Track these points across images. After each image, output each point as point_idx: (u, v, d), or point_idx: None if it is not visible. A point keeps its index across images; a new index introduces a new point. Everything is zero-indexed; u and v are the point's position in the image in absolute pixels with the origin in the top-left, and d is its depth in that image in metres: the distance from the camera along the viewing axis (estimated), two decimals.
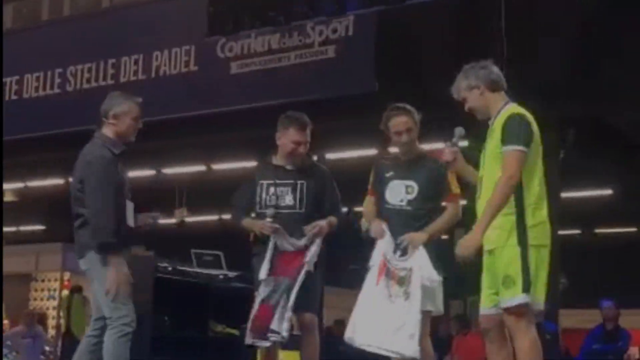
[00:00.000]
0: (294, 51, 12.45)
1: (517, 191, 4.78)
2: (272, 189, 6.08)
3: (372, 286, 5.51)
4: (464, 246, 4.66)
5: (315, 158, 16.19)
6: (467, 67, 5.09)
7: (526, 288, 4.68)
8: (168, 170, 17.98)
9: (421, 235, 5.49)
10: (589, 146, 12.99)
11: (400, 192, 5.63)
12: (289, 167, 6.17)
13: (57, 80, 14.53)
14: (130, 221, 5.82)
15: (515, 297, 4.69)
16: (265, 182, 6.13)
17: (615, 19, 11.46)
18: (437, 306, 5.62)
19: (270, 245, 5.91)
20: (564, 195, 14.11)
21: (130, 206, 5.84)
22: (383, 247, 5.55)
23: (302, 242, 5.84)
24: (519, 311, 4.70)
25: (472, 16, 12.74)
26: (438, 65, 12.96)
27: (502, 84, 5.07)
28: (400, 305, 5.38)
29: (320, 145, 16.15)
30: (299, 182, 6.06)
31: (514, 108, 4.98)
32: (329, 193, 6.08)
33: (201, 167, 17.55)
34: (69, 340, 14.12)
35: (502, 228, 4.77)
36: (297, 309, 5.86)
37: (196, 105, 13.21)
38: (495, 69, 5.08)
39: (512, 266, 4.70)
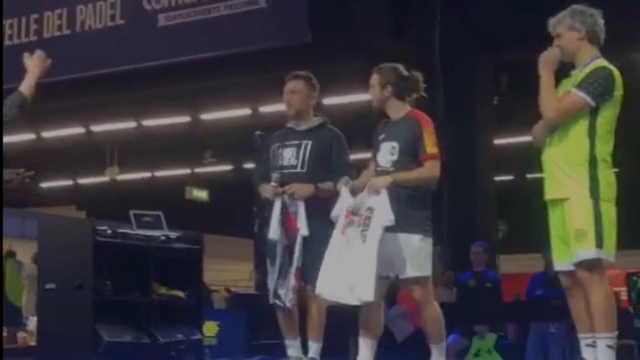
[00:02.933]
0: (223, 2, 12.17)
1: (591, 144, 4.77)
2: (280, 151, 6.00)
3: (338, 236, 5.38)
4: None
5: (250, 112, 16.18)
6: (577, 8, 4.97)
7: (599, 243, 4.69)
8: (97, 128, 17.67)
9: (385, 178, 5.36)
10: (522, 91, 13.06)
11: (386, 154, 5.51)
12: (298, 128, 6.06)
13: None
14: None
15: (589, 250, 4.69)
16: (275, 145, 6.05)
17: None
18: (424, 270, 5.40)
19: (276, 205, 5.82)
20: (498, 141, 14.25)
21: None
22: (346, 197, 5.44)
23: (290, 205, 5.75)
24: (592, 265, 4.71)
25: None
26: (373, 15, 12.88)
27: (601, 39, 4.98)
28: (357, 249, 5.25)
29: (254, 99, 16.17)
30: (304, 142, 5.93)
31: (604, 62, 4.92)
32: (335, 153, 5.91)
33: (131, 124, 17.31)
34: (7, 306, 13.82)
35: (572, 177, 4.78)
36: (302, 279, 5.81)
37: (124, 60, 12.85)
38: (601, 22, 4.97)
39: (585, 220, 4.70)
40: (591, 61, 4.91)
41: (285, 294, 5.79)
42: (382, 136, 5.59)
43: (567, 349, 9.99)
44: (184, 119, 17.09)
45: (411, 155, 5.43)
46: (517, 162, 15.44)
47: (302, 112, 6.04)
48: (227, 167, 21.71)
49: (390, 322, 11.52)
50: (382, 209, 5.23)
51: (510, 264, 15.96)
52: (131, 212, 8.10)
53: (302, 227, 5.74)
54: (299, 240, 5.74)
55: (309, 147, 5.91)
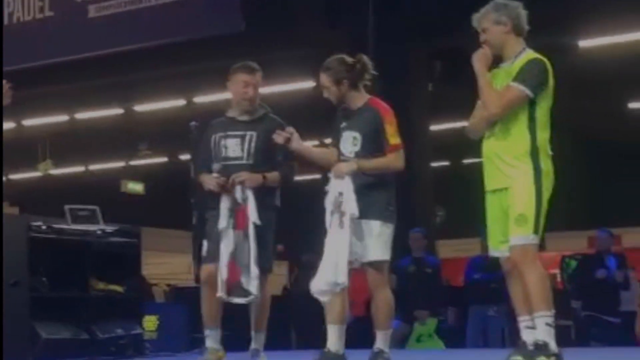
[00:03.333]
0: None
1: (531, 135, 4.87)
2: (222, 141, 5.93)
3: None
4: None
5: (184, 102, 16.05)
6: (500, 1, 5.01)
7: (536, 229, 4.81)
8: (28, 122, 17.38)
9: (349, 164, 5.40)
10: (456, 78, 13.17)
11: (349, 144, 5.55)
12: (241, 118, 6.01)
13: None
14: None
15: (527, 235, 4.80)
16: (217, 135, 5.98)
17: None
18: (383, 254, 5.45)
19: (223, 197, 5.77)
20: (433, 128, 14.34)
21: None
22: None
23: (240, 195, 5.70)
24: (527, 249, 4.82)
25: None
26: (307, 4, 12.85)
27: (525, 30, 5.05)
28: (336, 235, 5.32)
29: (189, 89, 16.05)
30: (248, 132, 5.90)
31: (534, 53, 4.99)
32: (279, 144, 5.92)
33: (64, 117, 17.07)
34: None
35: (515, 166, 4.86)
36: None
37: (54, 52, 12.68)
38: (524, 14, 5.04)
39: (527, 206, 4.80)
40: (520, 53, 4.97)
41: (249, 283, 5.71)
42: (343, 124, 5.61)
43: (506, 332, 10.15)
44: (117, 111, 16.90)
45: (373, 145, 5.48)
46: (453, 148, 15.57)
47: (254, 105, 6.02)
48: (163, 159, 21.53)
49: None
50: (348, 200, 5.31)
51: (449, 249, 16.21)
52: (66, 207, 7.99)
53: (253, 215, 5.71)
54: (251, 228, 5.70)
55: (254, 138, 5.88)
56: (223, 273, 5.71)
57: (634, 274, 11.67)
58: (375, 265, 5.49)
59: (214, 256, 5.84)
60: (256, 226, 5.74)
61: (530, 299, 4.82)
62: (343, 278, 5.28)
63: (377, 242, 5.46)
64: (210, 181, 5.87)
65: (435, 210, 13.86)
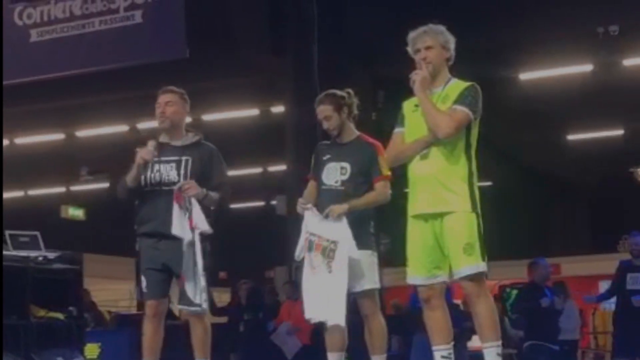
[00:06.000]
0: (98, 17, 12.00)
1: (467, 160, 4.87)
2: (156, 166, 5.83)
3: (305, 261, 5.60)
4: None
5: (127, 128, 15.95)
6: (442, 28, 5.02)
7: (483, 256, 4.79)
8: None
9: (342, 206, 5.52)
10: (399, 106, 13.30)
11: (335, 174, 5.68)
12: (174, 143, 5.96)
13: None
14: None
15: (478, 264, 4.78)
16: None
17: None
18: (375, 282, 5.68)
19: (174, 207, 5.64)
20: None
21: None
22: (307, 220, 5.59)
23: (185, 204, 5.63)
24: (480, 278, 4.81)
25: None
26: (251, 31, 12.92)
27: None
28: (324, 277, 5.46)
29: (132, 115, 15.96)
30: (183, 157, 5.83)
31: (464, 81, 5.01)
32: (215, 170, 5.86)
33: (4, 142, 16.85)
34: None
35: (457, 193, 4.83)
36: None
37: None
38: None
39: (471, 234, 4.77)
40: (449, 80, 4.99)
41: (197, 296, 5.65)
42: (326, 157, 5.73)
43: None
44: (59, 136, 16.76)
45: (363, 176, 5.63)
46: (396, 176, 15.70)
47: (177, 126, 5.95)
48: (104, 185, 21.34)
49: (278, 340, 11.57)
50: (346, 243, 5.43)
51: (394, 277, 16.23)
52: (6, 233, 7.88)
53: (201, 223, 5.66)
54: (197, 239, 5.65)
55: (189, 163, 5.85)
56: (201, 283, 5.66)
57: (573, 302, 11.86)
58: (369, 294, 5.63)
59: (153, 292, 5.81)
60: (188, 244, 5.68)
61: (481, 329, 4.83)
62: (341, 320, 5.42)
63: (369, 271, 5.62)
64: (141, 151, 5.75)
65: (380, 238, 13.92)
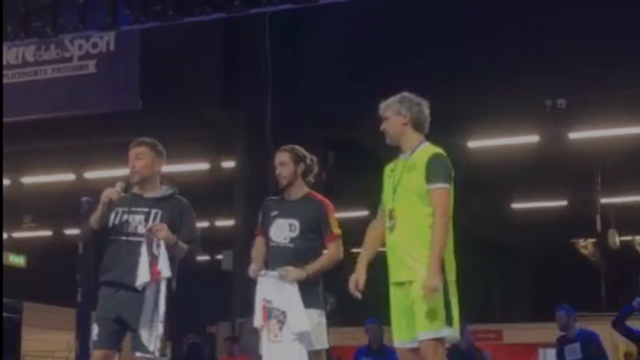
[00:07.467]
0: (51, 65, 11.94)
1: (431, 228, 4.93)
2: (125, 216, 5.76)
3: (263, 329, 5.60)
4: (429, 289, 4.73)
5: (74, 177, 15.79)
6: (406, 95, 5.21)
7: (449, 321, 4.85)
8: None
9: (299, 272, 5.55)
10: (349, 168, 13.39)
11: (284, 230, 5.66)
12: (146, 195, 5.86)
13: None
14: None
15: (439, 330, 4.84)
16: (120, 209, 5.79)
17: (375, 48, 11.92)
18: (323, 343, 5.66)
19: (142, 248, 5.57)
20: None
21: None
22: (262, 287, 5.60)
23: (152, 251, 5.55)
24: (438, 342, 4.87)
25: (238, 36, 12.84)
26: (205, 85, 12.95)
27: (425, 127, 5.21)
28: (287, 344, 5.48)
29: (80, 164, 15.82)
30: (153, 210, 5.76)
31: (432, 147, 5.13)
32: (185, 224, 5.77)
33: None
34: None
35: (420, 261, 4.89)
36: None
37: None
38: (426, 112, 5.21)
39: (436, 300, 4.82)
40: (418, 146, 5.12)
41: (151, 342, 5.53)
42: (274, 212, 5.73)
43: None
44: (4, 182, 16.50)
45: (312, 233, 5.65)
46: (345, 237, 15.73)
47: (147, 179, 5.88)
48: (47, 233, 21.04)
49: None
50: (294, 316, 5.48)
51: (340, 337, 16.16)
52: None
53: (164, 269, 5.57)
54: (162, 285, 5.58)
55: (159, 216, 5.76)
56: (158, 330, 5.57)
57: None
58: (318, 354, 5.62)
59: (102, 342, 5.67)
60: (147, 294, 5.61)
61: None
62: None
63: (318, 330, 5.61)
64: (107, 190, 5.68)
65: (326, 298, 13.89)
